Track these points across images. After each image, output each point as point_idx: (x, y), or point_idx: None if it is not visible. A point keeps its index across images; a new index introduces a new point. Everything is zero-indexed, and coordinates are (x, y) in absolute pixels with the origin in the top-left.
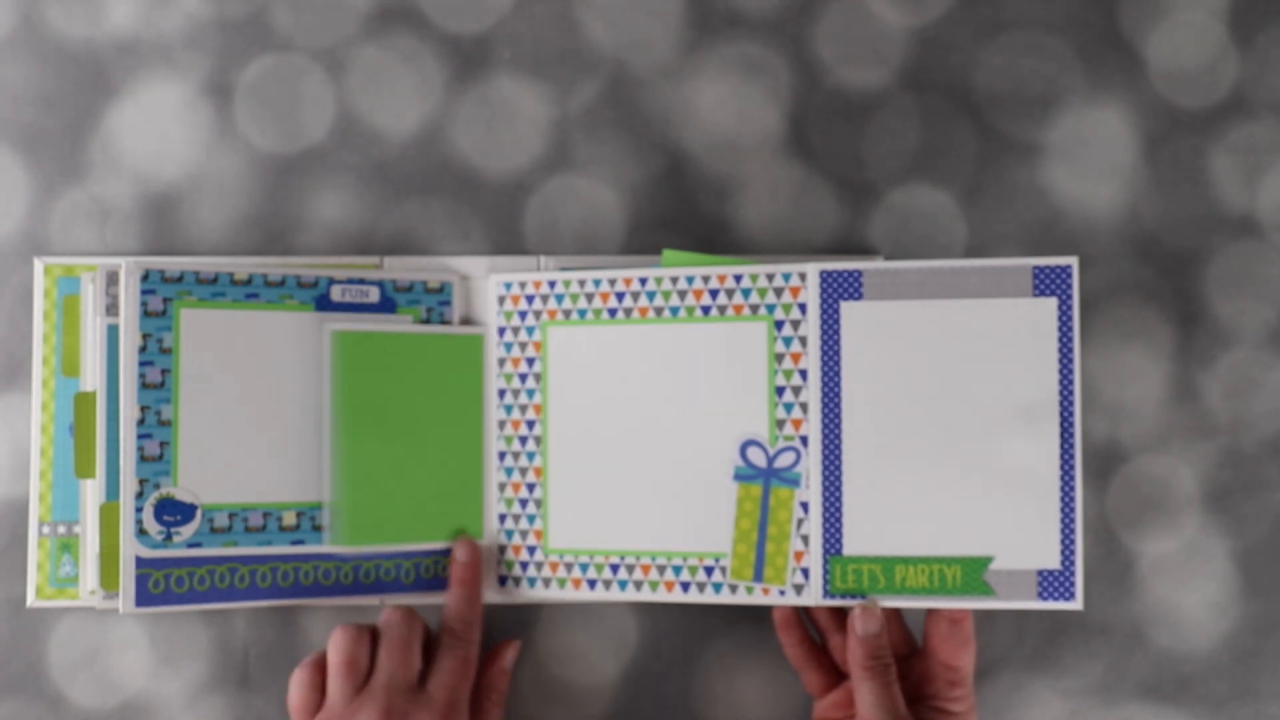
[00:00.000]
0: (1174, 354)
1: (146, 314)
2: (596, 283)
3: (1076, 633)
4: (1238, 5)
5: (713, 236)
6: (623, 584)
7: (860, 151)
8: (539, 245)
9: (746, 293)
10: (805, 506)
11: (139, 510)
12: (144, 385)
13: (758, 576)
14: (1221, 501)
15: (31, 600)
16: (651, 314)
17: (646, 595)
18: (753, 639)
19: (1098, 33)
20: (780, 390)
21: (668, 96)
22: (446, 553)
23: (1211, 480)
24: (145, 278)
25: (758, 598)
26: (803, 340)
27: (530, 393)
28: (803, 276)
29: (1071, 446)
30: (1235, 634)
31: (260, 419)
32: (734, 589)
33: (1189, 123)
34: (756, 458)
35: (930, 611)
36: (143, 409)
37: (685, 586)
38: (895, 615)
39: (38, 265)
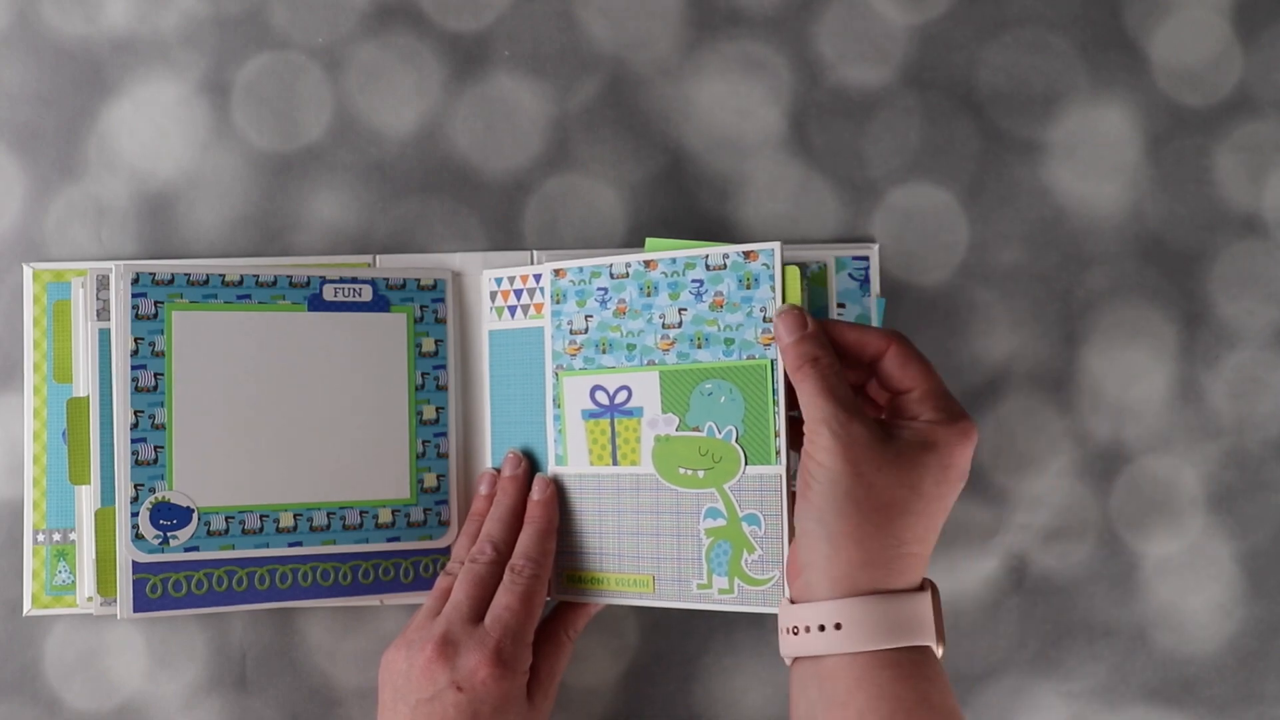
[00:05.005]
0: (1178, 354)
1: (138, 317)
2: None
3: (1080, 635)
4: (1242, 2)
5: (714, 235)
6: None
7: (861, 150)
8: (538, 244)
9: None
10: None
11: (135, 515)
12: (137, 389)
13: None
14: (1226, 503)
15: (28, 609)
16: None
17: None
18: (752, 640)
19: (1101, 30)
20: None
21: (668, 95)
22: (446, 551)
23: (1216, 481)
24: (136, 281)
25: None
26: None
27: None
28: None
29: None
30: (1240, 636)
31: (255, 420)
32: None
33: (1193, 121)
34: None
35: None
36: (136, 413)
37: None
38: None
39: (26, 271)
